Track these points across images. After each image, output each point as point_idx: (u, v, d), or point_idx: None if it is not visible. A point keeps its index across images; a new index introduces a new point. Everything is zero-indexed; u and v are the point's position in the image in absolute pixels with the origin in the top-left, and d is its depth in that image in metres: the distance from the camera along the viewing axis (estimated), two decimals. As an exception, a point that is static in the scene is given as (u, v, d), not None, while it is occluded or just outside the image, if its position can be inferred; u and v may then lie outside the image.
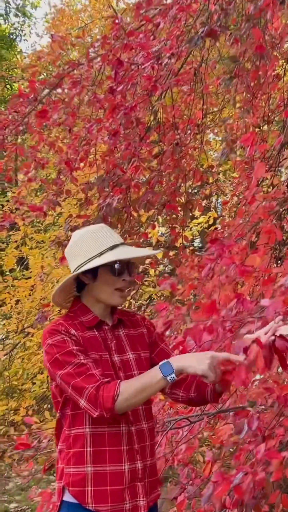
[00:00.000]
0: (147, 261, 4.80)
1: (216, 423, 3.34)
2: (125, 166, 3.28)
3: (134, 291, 6.03)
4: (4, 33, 11.93)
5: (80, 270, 1.98)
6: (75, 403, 1.89)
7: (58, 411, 1.99)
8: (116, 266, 1.97)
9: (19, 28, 11.81)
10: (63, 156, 3.74)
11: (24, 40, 12.11)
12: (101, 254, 1.98)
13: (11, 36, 12.01)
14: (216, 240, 2.62)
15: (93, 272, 1.99)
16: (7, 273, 7.64)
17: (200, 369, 1.83)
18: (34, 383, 6.58)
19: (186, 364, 1.86)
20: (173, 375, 1.85)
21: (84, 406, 1.86)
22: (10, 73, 10.05)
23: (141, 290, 6.14)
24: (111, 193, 3.83)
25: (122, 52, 3.21)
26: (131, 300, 6.50)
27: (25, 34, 11.79)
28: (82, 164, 4.05)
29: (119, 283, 2.01)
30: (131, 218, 4.01)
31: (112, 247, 2.00)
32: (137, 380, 1.91)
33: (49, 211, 3.76)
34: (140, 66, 3.13)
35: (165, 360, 1.88)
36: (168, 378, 1.85)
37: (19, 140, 4.27)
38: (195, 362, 1.84)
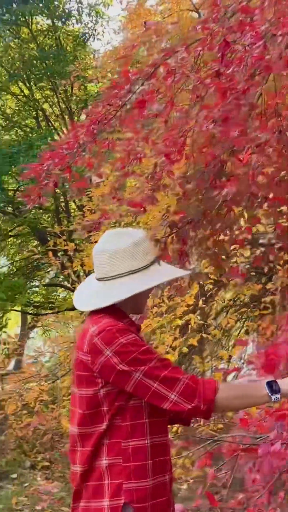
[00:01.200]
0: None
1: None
2: (242, 155, 3.05)
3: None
4: (77, 33, 11.93)
5: (145, 287, 1.94)
6: (154, 405, 1.80)
7: (103, 422, 1.86)
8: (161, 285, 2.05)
9: (92, 28, 11.78)
10: (162, 148, 3.53)
11: (97, 39, 11.98)
12: (151, 264, 2.01)
13: (84, 36, 11.99)
14: None
15: None
16: (92, 272, 7.52)
17: None
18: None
19: None
20: (278, 395, 1.80)
21: (174, 401, 1.77)
22: (85, 73, 9.99)
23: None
24: (211, 186, 3.59)
25: (228, 33, 2.97)
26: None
27: (98, 33, 11.74)
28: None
29: (148, 294, 2.10)
30: (232, 212, 3.76)
31: (153, 262, 2.04)
32: (239, 387, 1.88)
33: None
34: (248, 46, 2.88)
35: (272, 379, 1.82)
36: (273, 397, 1.80)
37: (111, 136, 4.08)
38: None
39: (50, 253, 7.57)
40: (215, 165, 3.65)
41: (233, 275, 3.76)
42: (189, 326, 6.25)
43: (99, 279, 2.03)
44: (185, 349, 5.76)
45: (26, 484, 5.54)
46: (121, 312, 1.98)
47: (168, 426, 2.04)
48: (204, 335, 6.13)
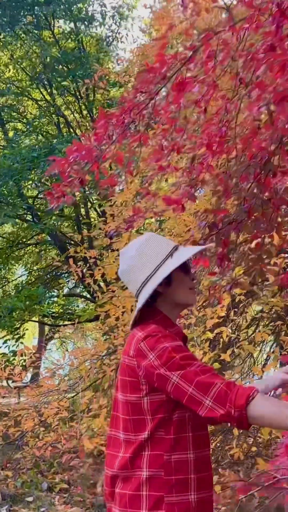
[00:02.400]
0: None
1: None
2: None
3: None
4: (100, 36, 11.65)
5: (161, 277, 1.92)
6: (193, 410, 1.76)
7: (145, 432, 1.85)
8: (188, 262, 1.97)
9: (116, 30, 11.49)
10: (204, 137, 3.14)
11: (121, 41, 11.67)
12: (171, 254, 1.97)
13: (108, 39, 11.71)
14: None
15: (167, 277, 1.94)
16: (113, 282, 7.16)
17: None
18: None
19: None
20: None
21: (209, 407, 1.73)
22: (108, 77, 9.66)
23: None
24: (257, 182, 3.19)
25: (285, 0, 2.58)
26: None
27: (122, 36, 11.43)
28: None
29: (190, 282, 2.03)
30: (280, 211, 3.35)
31: (176, 248, 1.99)
32: (278, 401, 1.77)
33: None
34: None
35: None
36: None
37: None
38: None
39: (71, 260, 7.19)
40: (261, 158, 3.26)
41: (282, 283, 3.32)
42: (221, 339, 5.82)
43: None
44: (216, 365, 5.32)
45: (43, 509, 5.12)
46: (169, 321, 1.99)
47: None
48: (236, 350, 5.69)
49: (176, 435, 1.84)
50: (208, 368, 1.83)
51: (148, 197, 3.24)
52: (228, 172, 3.39)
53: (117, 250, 7.63)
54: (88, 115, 12.31)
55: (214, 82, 3.16)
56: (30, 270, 14.73)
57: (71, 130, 12.36)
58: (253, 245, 3.52)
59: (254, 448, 5.43)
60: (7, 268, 14.04)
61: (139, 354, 1.87)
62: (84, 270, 7.42)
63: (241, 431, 5.34)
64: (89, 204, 12.03)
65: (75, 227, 12.42)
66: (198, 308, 5.57)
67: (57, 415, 5.96)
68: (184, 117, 3.41)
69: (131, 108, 3.49)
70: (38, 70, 11.50)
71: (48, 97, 12.53)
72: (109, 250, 7.87)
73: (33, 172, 9.90)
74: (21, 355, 8.61)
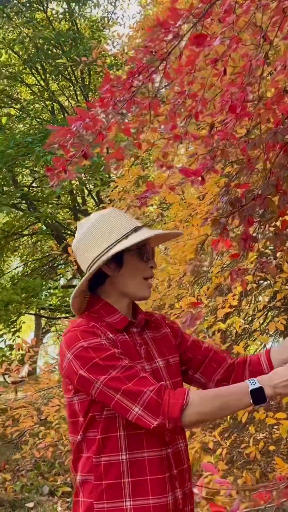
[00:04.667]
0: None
1: None
2: None
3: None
4: (95, 18, 11.22)
5: (105, 256, 1.72)
6: (121, 415, 1.63)
7: (79, 433, 1.71)
8: (148, 247, 1.79)
9: (111, 11, 11.06)
10: (224, 100, 2.75)
11: (118, 23, 11.25)
12: (126, 236, 1.76)
13: (103, 21, 11.27)
14: None
15: (118, 259, 1.76)
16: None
17: None
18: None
19: (282, 391, 1.64)
20: (264, 404, 1.63)
21: (137, 415, 1.60)
22: (104, 55, 9.24)
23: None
24: (284, 152, 2.82)
25: None
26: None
27: (118, 17, 10.99)
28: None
29: (147, 271, 1.82)
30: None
31: (136, 229, 1.78)
32: (218, 397, 1.66)
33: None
34: None
35: (258, 384, 1.63)
36: (257, 407, 1.66)
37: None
38: None
39: (70, 249, 6.81)
40: (290, 123, 2.88)
41: None
42: (234, 331, 5.46)
43: None
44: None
45: (44, 515, 4.76)
46: (111, 308, 1.79)
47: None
48: (249, 342, 5.34)
49: (104, 435, 1.68)
50: (133, 371, 1.65)
51: (162, 169, 2.84)
52: (249, 141, 3.00)
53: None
54: (84, 100, 11.88)
55: (237, 36, 2.76)
56: (26, 262, 14.34)
57: (66, 116, 11.95)
58: (279, 223, 3.15)
59: (272, 447, 5.08)
60: (2, 259, 13.66)
61: (60, 353, 1.73)
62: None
63: (257, 429, 5.00)
64: (85, 191, 11.63)
65: (72, 216, 12.01)
66: (208, 297, 5.21)
67: (58, 412, 5.58)
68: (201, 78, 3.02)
69: (140, 70, 3.09)
70: (31, 52, 11.05)
71: (42, 83, 12.11)
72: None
73: (28, 159, 9.48)
74: (19, 349, 8.24)
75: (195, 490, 3.36)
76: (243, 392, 1.63)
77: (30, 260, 14.21)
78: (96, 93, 11.33)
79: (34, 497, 5.13)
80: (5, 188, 10.29)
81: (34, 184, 11.83)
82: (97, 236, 1.78)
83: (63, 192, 10.29)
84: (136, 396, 1.61)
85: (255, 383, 1.63)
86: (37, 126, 11.05)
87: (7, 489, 5.27)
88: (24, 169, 10.74)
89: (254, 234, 3.04)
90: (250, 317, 5.98)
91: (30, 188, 11.77)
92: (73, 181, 9.48)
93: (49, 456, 5.30)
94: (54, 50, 10.80)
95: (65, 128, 3.11)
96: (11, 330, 10.44)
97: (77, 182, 9.68)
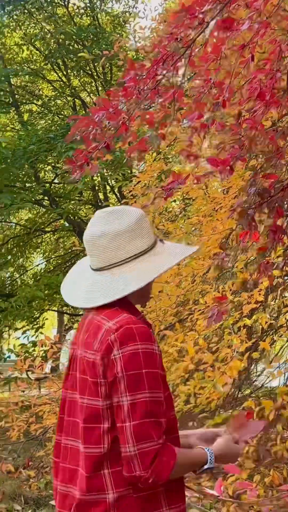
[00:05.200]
0: None
1: None
2: None
3: None
4: (116, 12, 11.16)
5: (166, 267, 1.73)
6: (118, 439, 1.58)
7: (101, 444, 1.60)
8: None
9: (133, 6, 10.98)
10: (252, 87, 2.66)
11: (139, 17, 11.14)
12: (155, 244, 1.77)
13: (124, 15, 11.19)
14: None
15: None
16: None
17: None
18: (176, 397, 5.57)
19: (224, 461, 1.81)
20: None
21: (129, 454, 1.54)
22: (126, 49, 9.14)
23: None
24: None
25: None
26: None
27: (139, 11, 10.90)
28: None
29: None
30: None
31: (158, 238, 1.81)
32: (189, 456, 1.68)
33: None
34: None
35: (211, 450, 1.70)
36: (207, 467, 1.69)
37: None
38: (232, 459, 1.81)
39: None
40: None
41: None
42: (260, 327, 5.36)
43: (100, 269, 1.74)
44: (256, 354, 4.87)
45: (68, 514, 4.70)
46: (132, 306, 1.73)
47: None
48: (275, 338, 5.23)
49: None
50: (160, 410, 1.59)
51: (189, 159, 2.75)
52: (277, 130, 2.90)
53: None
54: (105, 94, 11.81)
55: (265, 20, 2.66)
56: (49, 258, 14.34)
57: (90, 108, 11.88)
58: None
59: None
60: (25, 256, 13.67)
61: (106, 347, 1.61)
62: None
63: (284, 427, 4.90)
64: (107, 187, 11.57)
65: (94, 212, 11.96)
66: (232, 292, 5.12)
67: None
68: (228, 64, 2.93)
69: (164, 58, 3.01)
70: (52, 48, 11.02)
71: (63, 78, 12.08)
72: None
73: (50, 155, 9.45)
74: (42, 346, 8.23)
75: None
76: (203, 454, 1.70)
77: (52, 256, 14.22)
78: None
79: (58, 494, 5.09)
80: (27, 185, 10.29)
81: (56, 180, 11.82)
82: (146, 230, 1.76)
83: (85, 188, 10.27)
84: (142, 439, 1.55)
85: (212, 458, 1.69)
86: (59, 122, 11.03)
87: (31, 486, 5.24)
88: (46, 165, 10.72)
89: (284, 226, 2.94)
90: (276, 313, 5.88)
91: (52, 184, 11.76)
92: (95, 177, 9.43)
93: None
94: (76, 46, 10.76)
95: (87, 117, 3.04)
96: (34, 326, 10.42)
97: (99, 178, 9.64)
